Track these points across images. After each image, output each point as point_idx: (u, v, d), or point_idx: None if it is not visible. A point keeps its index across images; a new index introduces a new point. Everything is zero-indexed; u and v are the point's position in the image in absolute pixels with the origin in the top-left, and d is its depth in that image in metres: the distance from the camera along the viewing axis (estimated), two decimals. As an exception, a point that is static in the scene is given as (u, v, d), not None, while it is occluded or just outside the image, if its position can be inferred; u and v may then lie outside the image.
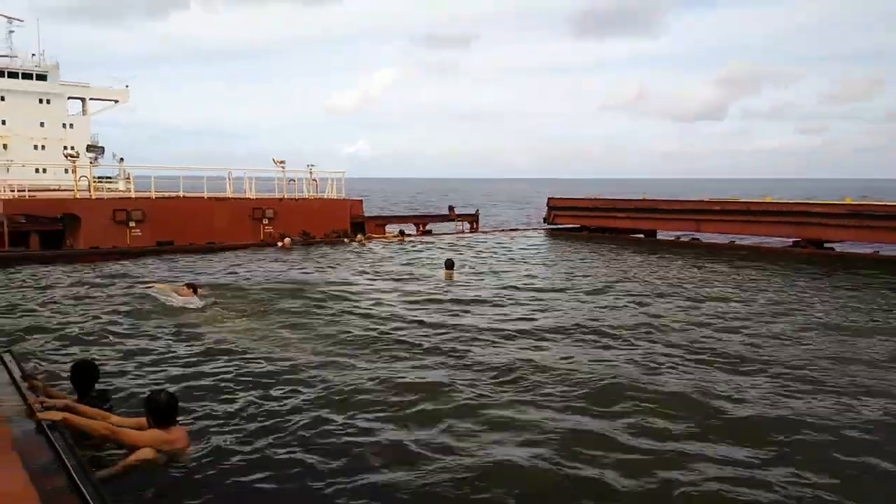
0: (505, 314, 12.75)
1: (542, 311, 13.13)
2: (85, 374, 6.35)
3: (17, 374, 6.30)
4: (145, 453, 5.40)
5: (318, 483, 5.59)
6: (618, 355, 9.72)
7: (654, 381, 8.40)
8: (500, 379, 8.51)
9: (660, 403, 7.54)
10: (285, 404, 7.44)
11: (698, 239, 27.58)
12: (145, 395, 6.25)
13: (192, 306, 12.90)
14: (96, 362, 6.98)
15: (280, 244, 23.94)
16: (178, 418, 5.92)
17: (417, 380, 8.37)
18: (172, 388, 7.10)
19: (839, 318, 12.69)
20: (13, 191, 24.40)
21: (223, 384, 8.17)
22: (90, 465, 4.55)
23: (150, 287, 14.53)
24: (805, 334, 11.22)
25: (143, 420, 5.76)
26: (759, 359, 9.58)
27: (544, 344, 10.41)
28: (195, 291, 13.61)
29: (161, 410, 5.67)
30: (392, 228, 30.16)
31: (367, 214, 31.76)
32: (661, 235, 29.49)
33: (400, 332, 11.03)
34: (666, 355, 9.71)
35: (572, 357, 9.55)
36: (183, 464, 5.60)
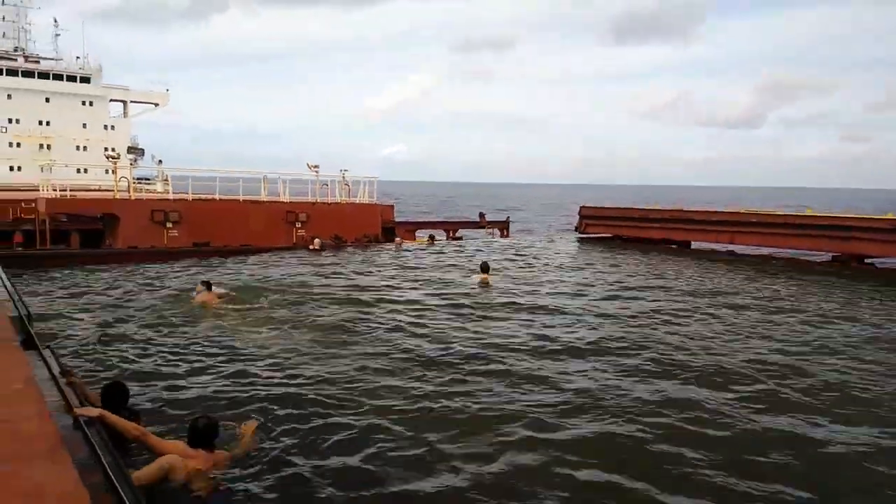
0: (543, 324, 12.61)
1: (579, 325, 12.90)
2: (115, 395, 6.47)
3: (55, 369, 6.44)
4: (169, 459, 5.47)
5: None
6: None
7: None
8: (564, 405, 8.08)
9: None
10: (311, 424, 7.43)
11: (734, 251, 27.09)
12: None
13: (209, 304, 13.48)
14: (125, 383, 6.98)
15: (311, 246, 24.24)
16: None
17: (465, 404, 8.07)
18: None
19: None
20: (55, 190, 25.03)
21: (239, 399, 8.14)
22: (125, 463, 4.62)
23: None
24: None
25: (181, 444, 5.85)
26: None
27: (589, 363, 10.25)
28: (209, 289, 13.98)
29: (192, 433, 5.86)
30: (422, 234, 30.26)
31: (398, 219, 31.90)
32: (695, 246, 29.02)
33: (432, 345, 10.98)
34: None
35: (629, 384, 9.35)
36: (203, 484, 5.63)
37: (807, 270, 22.45)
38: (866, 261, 23.04)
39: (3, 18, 43.57)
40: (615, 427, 7.23)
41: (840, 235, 23.36)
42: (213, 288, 14.29)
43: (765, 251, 26.39)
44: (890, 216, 23.74)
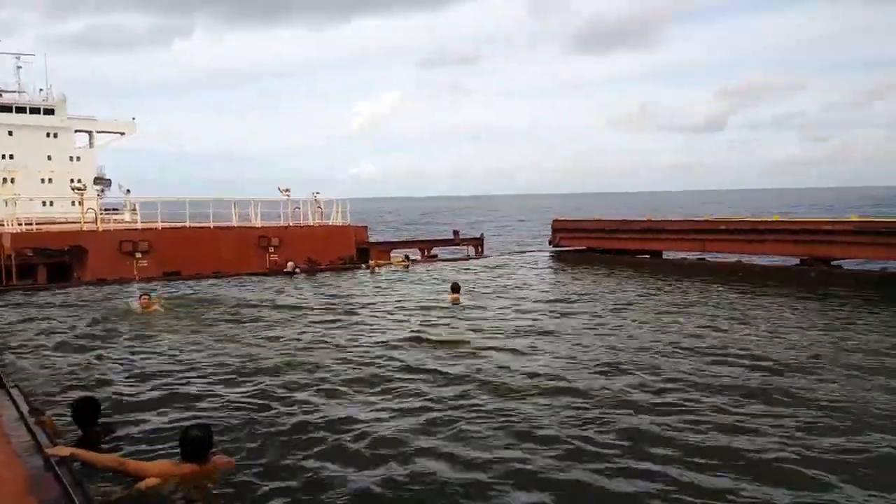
0: (509, 335, 12.71)
1: (544, 334, 13.04)
2: (86, 411, 6.32)
3: (24, 409, 6.29)
4: (150, 483, 5.35)
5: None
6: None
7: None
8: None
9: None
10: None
11: (704, 259, 27.47)
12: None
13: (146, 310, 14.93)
14: (95, 397, 6.93)
15: (285, 269, 24.01)
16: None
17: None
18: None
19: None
20: (21, 224, 24.57)
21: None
22: (97, 501, 4.52)
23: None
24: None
25: (166, 464, 5.67)
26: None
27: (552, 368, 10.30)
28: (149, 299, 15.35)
29: (182, 448, 5.65)
30: (397, 254, 30.18)
31: (371, 240, 31.82)
32: (667, 256, 29.37)
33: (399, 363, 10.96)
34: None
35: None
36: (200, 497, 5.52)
37: (773, 275, 22.88)
38: (832, 263, 23.51)
39: (-37, 53, 42.90)
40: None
41: (806, 239, 23.84)
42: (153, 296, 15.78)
43: (735, 258, 26.83)
44: (854, 218, 24.33)
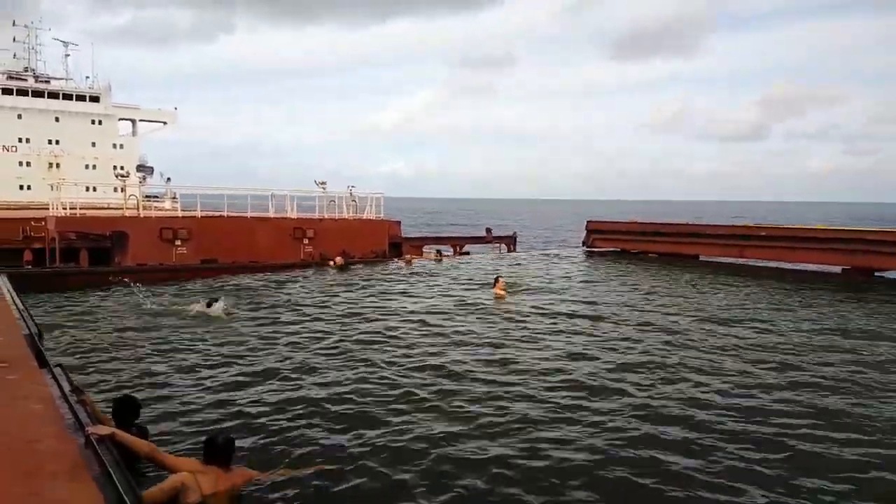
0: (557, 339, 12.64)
1: (588, 339, 12.95)
2: (127, 410, 6.43)
3: (66, 387, 6.43)
4: (182, 478, 5.41)
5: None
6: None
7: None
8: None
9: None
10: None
11: (743, 264, 26.94)
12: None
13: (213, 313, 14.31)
14: (137, 397, 7.01)
15: (333, 263, 24.34)
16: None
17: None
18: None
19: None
20: (65, 209, 25.17)
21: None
22: (136, 481, 4.60)
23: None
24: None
25: (195, 462, 5.76)
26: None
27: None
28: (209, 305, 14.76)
29: (209, 449, 5.73)
30: (429, 249, 30.26)
31: (404, 235, 31.92)
32: (703, 259, 28.88)
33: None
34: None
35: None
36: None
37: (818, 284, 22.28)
38: (876, 274, 22.88)
39: (14, 39, 44.15)
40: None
41: (849, 249, 23.23)
42: (219, 303, 14.79)
43: (773, 265, 26.25)
44: (900, 229, 23.61)
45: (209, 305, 14.73)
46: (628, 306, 16.51)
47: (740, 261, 27.02)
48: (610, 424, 7.75)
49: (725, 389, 9.24)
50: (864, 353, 11.73)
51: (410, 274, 23.02)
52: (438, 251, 29.16)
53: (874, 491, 6.16)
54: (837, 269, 23.94)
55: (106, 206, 28.69)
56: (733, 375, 10.01)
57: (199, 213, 24.97)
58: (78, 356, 10.67)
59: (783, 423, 7.88)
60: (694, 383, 9.55)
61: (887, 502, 6.01)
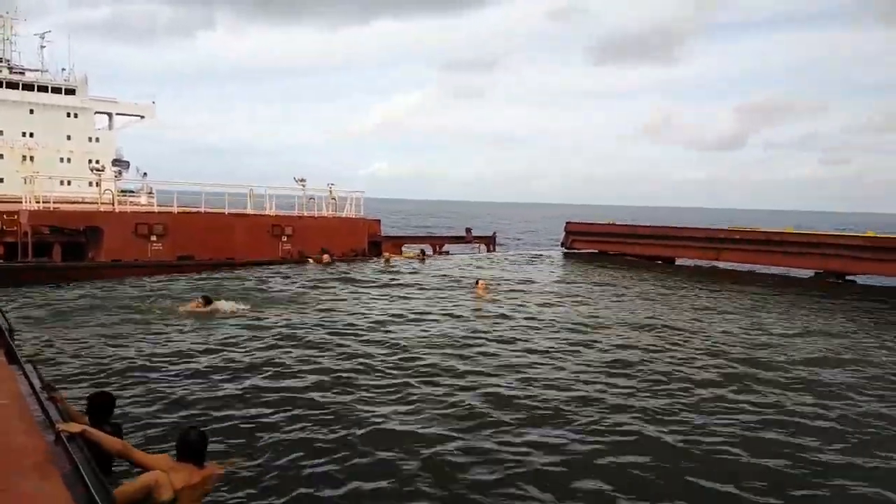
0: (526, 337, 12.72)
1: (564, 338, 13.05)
2: (101, 406, 6.34)
3: (37, 384, 6.34)
4: (154, 476, 5.33)
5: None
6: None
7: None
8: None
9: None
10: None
11: (717, 267, 27.29)
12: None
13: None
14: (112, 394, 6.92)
15: (323, 259, 24.28)
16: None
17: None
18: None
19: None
20: (39, 202, 24.76)
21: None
22: (108, 480, 4.56)
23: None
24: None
25: (167, 458, 5.68)
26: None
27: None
28: (207, 304, 14.43)
29: (181, 445, 5.60)
30: (408, 249, 30.24)
31: (384, 234, 31.83)
32: (679, 262, 29.19)
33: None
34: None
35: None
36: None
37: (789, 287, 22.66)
38: (847, 278, 23.30)
39: (-12, 29, 43.25)
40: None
41: (821, 252, 23.64)
42: (215, 303, 14.71)
43: (748, 268, 26.65)
44: (869, 234, 24.09)
45: (208, 304, 14.46)
46: (605, 308, 16.68)
47: (717, 264, 27.37)
48: (583, 421, 7.85)
49: (693, 387, 9.41)
50: (830, 354, 12.03)
51: (389, 272, 22.98)
52: (422, 251, 29.17)
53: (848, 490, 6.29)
54: (810, 272, 24.33)
55: (80, 200, 28.30)
56: (702, 373, 10.17)
57: (175, 209, 24.71)
58: (50, 352, 10.51)
59: (745, 423, 8.02)
60: (666, 382, 9.70)
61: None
